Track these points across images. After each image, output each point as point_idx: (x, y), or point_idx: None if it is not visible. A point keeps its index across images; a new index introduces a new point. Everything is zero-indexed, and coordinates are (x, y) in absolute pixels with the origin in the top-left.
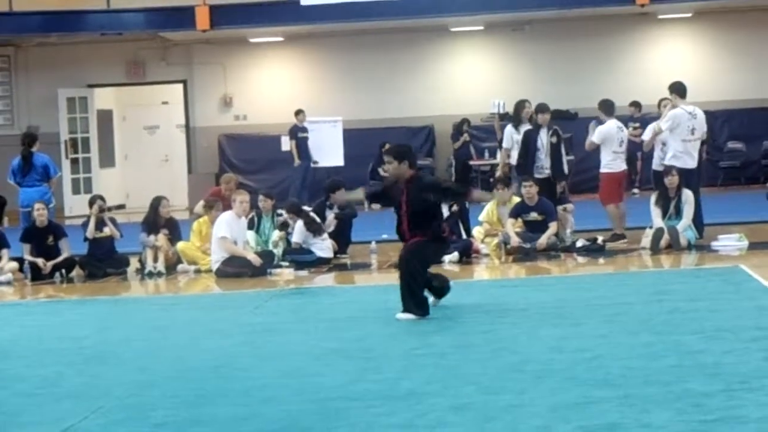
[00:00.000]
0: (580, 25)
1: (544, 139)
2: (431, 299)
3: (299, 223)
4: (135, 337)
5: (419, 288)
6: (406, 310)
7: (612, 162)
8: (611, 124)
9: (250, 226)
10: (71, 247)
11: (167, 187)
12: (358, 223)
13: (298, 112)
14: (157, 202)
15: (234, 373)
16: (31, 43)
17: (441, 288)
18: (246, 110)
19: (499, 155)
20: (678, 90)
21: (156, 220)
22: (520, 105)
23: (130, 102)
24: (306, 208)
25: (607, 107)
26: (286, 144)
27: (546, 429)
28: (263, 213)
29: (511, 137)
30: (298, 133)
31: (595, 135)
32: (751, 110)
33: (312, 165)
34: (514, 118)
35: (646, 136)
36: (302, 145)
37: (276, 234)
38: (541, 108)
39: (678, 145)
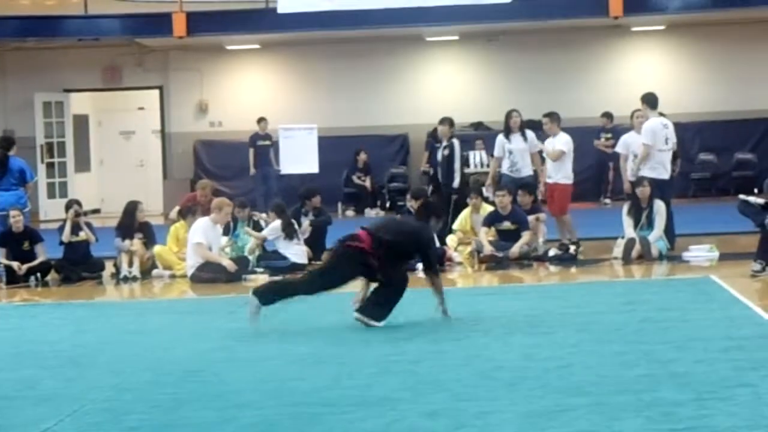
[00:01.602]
0: (554, 36)
1: (440, 152)
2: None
3: (276, 222)
4: (110, 341)
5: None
6: (380, 318)
7: (570, 174)
8: (568, 136)
9: (226, 232)
10: (47, 251)
11: (142, 193)
12: (333, 231)
13: (260, 120)
14: (133, 206)
15: (209, 377)
16: (8, 48)
17: None
18: (221, 117)
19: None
20: (649, 101)
21: (131, 224)
22: (508, 114)
23: (106, 107)
24: None
25: (558, 119)
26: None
27: None
28: (239, 219)
29: (503, 146)
30: (257, 141)
31: (564, 145)
32: (723, 122)
33: (278, 173)
34: (504, 127)
35: (639, 156)
36: (261, 154)
37: (252, 241)
38: (440, 121)
39: (653, 155)
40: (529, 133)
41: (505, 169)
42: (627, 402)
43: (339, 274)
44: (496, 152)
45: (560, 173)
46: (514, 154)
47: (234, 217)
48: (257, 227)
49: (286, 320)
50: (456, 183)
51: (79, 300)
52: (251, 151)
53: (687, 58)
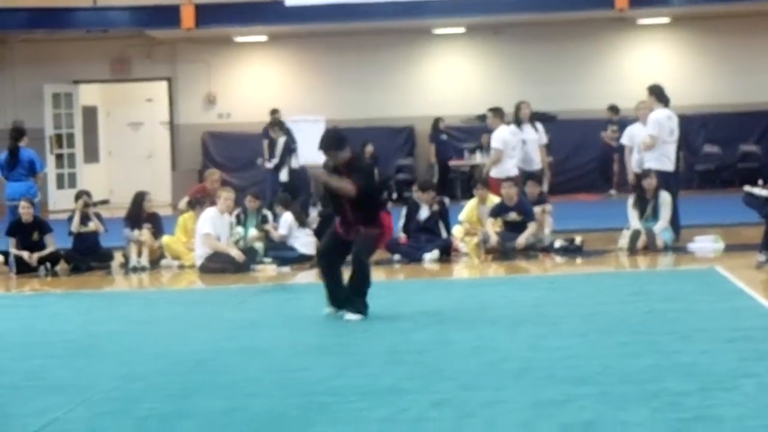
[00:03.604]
0: (560, 29)
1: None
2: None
3: (286, 215)
4: (119, 331)
5: (368, 288)
6: (356, 311)
7: (506, 168)
8: (506, 131)
9: (237, 223)
10: (56, 242)
11: (150, 184)
12: None
13: (274, 112)
14: (140, 197)
15: (218, 367)
16: (17, 39)
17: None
18: (229, 108)
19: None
20: (657, 93)
21: (139, 215)
22: (518, 106)
23: (114, 98)
24: None
25: (502, 115)
26: None
27: (525, 425)
28: (248, 212)
29: (514, 138)
30: (269, 132)
31: (497, 142)
32: (727, 114)
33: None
34: (515, 118)
35: (644, 147)
36: (273, 145)
37: (254, 232)
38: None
39: (658, 147)
40: (539, 125)
41: (518, 160)
42: (633, 392)
43: None
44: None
45: (497, 168)
46: (527, 143)
47: (244, 209)
48: (264, 220)
49: (293, 311)
50: (284, 176)
51: (89, 290)
52: (266, 142)
53: (692, 51)
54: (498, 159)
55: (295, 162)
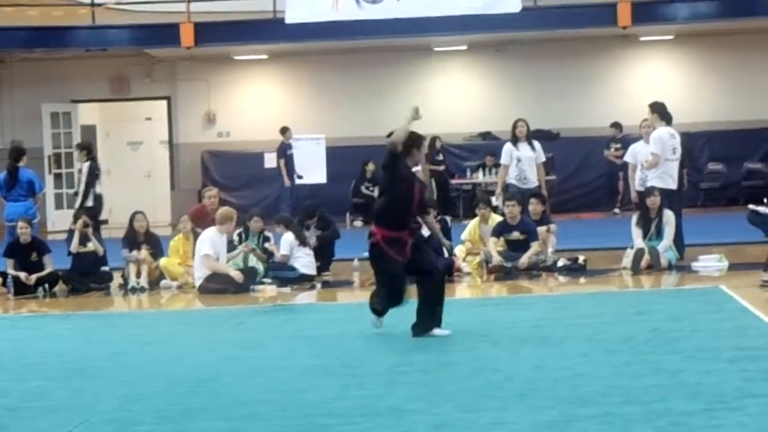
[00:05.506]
0: (562, 46)
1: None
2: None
3: (287, 235)
4: (118, 352)
5: None
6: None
7: None
8: None
9: (239, 242)
10: (54, 262)
11: (150, 203)
12: (341, 242)
13: (285, 130)
14: (133, 217)
15: (217, 388)
16: (16, 58)
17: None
18: (229, 127)
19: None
20: (659, 111)
21: (135, 235)
22: (514, 124)
23: (113, 118)
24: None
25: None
26: (270, 161)
27: None
28: (250, 232)
29: (510, 154)
30: (287, 150)
31: None
32: (732, 132)
33: (297, 180)
34: (511, 136)
35: (647, 165)
36: (290, 163)
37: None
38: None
39: (660, 165)
40: (536, 144)
41: (512, 177)
42: (637, 412)
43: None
44: (504, 160)
45: None
46: (522, 161)
47: (245, 228)
48: (266, 240)
49: (293, 331)
50: (89, 202)
51: (87, 311)
52: (282, 161)
53: (695, 68)
54: None
55: (99, 188)
